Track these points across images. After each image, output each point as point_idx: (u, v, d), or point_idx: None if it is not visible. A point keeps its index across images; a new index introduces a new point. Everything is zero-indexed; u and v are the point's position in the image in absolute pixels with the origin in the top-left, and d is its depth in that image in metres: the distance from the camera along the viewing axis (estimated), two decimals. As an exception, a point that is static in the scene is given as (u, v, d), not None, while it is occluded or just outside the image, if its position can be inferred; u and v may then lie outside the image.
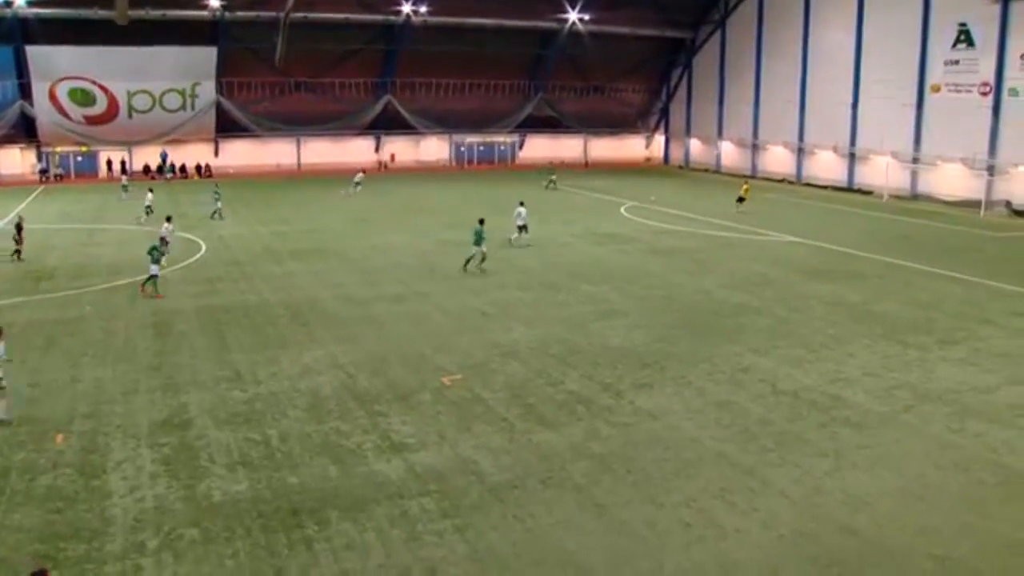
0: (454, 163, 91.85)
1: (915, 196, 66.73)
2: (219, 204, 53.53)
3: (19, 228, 40.27)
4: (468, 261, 37.16)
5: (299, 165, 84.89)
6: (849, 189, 72.57)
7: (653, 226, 50.97)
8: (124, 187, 63.89)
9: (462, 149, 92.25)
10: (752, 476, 17.59)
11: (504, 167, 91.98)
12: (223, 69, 77.78)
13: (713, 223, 52.15)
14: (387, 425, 20.17)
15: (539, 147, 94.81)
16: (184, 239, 44.54)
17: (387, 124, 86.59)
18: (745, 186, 61.12)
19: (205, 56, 76.53)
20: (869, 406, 21.76)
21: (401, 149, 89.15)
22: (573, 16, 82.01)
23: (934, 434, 20.01)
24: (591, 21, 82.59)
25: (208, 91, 78.56)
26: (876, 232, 50.41)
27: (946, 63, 64.65)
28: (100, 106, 76.29)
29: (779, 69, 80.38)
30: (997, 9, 60.21)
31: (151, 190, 55.59)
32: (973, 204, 60.48)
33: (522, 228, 44.37)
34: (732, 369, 24.50)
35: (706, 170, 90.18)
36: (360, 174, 66.11)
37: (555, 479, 17.36)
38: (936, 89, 65.62)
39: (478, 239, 36.79)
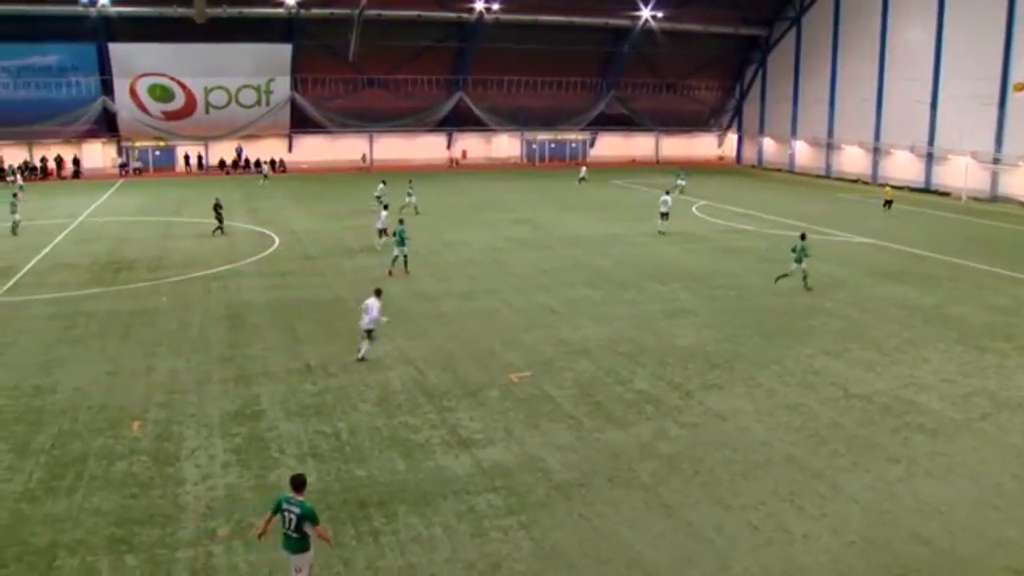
0: (525, 160, 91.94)
1: (994, 198, 65.26)
2: (413, 199, 53.41)
3: (217, 208, 46.29)
4: (783, 276, 34.48)
5: (371, 161, 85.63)
6: (926, 190, 71.22)
7: (725, 225, 50.52)
8: (264, 176, 70.82)
9: (533, 146, 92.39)
10: (822, 480, 17.37)
11: (575, 165, 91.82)
12: (297, 66, 78.96)
13: (785, 223, 51.50)
14: (455, 420, 20.30)
15: (611, 145, 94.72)
16: (257, 233, 45.27)
17: (459, 121, 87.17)
18: (887, 188, 61.27)
19: (280, 53, 77.76)
20: (944, 412, 21.33)
21: (472, 146, 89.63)
22: (646, 13, 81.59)
23: (1012, 443, 19.54)
24: (664, 18, 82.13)
25: (283, 87, 79.73)
26: (952, 234, 49.39)
27: (1030, 61, 63.01)
28: (178, 102, 77.89)
29: (855, 67, 79.10)
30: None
31: (384, 181, 56.17)
32: (1056, 206, 59.00)
33: (664, 215, 46.92)
34: (803, 371, 24.21)
35: (779, 170, 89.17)
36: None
37: (622, 478, 17.32)
38: (1019, 88, 63.78)
39: (800, 256, 33.78)
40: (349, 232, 46.44)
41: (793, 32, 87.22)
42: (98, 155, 78.94)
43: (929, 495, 16.79)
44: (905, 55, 73.91)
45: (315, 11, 74.49)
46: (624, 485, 17.02)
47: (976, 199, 65.43)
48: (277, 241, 43.54)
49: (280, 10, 73.10)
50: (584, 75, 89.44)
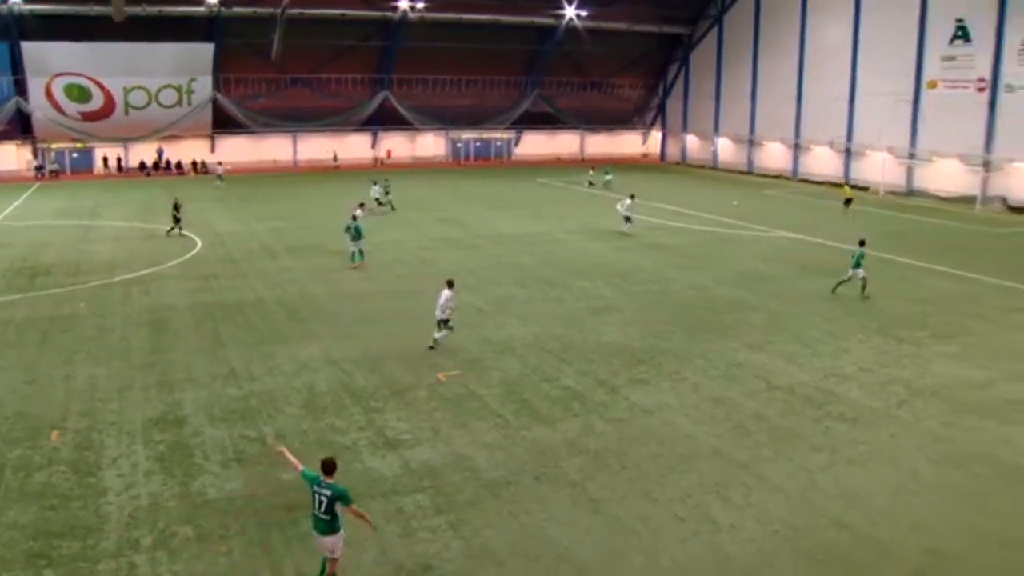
0: (451, 159, 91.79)
1: (911, 192, 66.77)
2: (389, 196, 54.45)
3: (176, 208, 45.47)
4: (840, 284, 33.32)
5: (295, 162, 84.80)
6: (845, 184, 72.46)
7: (649, 222, 50.97)
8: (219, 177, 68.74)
9: (458, 145, 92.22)
10: (747, 471, 17.63)
11: (500, 163, 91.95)
12: (220, 65, 77.74)
13: (709, 219, 52.17)
14: (382, 421, 20.19)
15: (536, 143, 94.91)
16: (179, 236, 44.53)
17: (384, 120, 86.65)
18: (846, 187, 61.67)
19: (202, 52, 76.47)
20: (864, 401, 21.81)
21: (398, 145, 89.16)
22: (570, 12, 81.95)
23: (928, 429, 20.06)
24: (588, 17, 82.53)
25: (204, 87, 78.46)
26: (871, 228, 50.39)
27: (943, 59, 64.66)
28: (96, 102, 76.14)
29: (776, 65, 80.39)
30: (994, 5, 60.17)
31: (375, 182, 56.47)
32: (968, 200, 60.62)
33: (627, 219, 46.55)
34: (727, 365, 24.54)
35: (702, 166, 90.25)
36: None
37: (550, 475, 17.39)
38: (933, 85, 65.61)
39: (857, 263, 32.68)
40: (273, 234, 45.89)
41: (715, 31, 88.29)
42: (12, 157, 76.81)
43: (850, 482, 17.16)
44: (824, 53, 75.31)
45: (237, 10, 73.43)
46: (552, 482, 17.09)
47: (893, 193, 66.92)
48: (200, 244, 42.85)
49: (201, 9, 71.94)
50: (509, 74, 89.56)
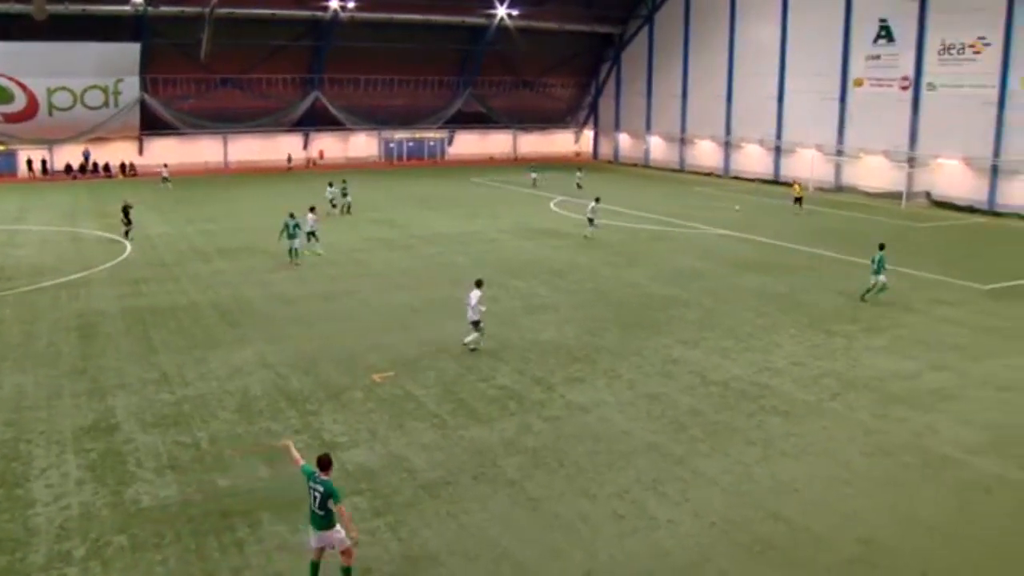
0: (383, 159, 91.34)
1: (839, 188, 67.99)
2: (348, 199, 53.58)
3: (126, 210, 44.80)
4: (868, 292, 32.15)
5: (226, 163, 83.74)
6: (775, 182, 73.65)
7: (583, 220, 51.15)
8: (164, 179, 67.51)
9: (391, 145, 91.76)
10: (683, 466, 17.77)
11: (434, 163, 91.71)
12: (147, 65, 76.31)
13: (642, 216, 52.56)
14: (318, 424, 20.01)
15: (469, 143, 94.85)
16: (108, 240, 43.72)
17: (315, 120, 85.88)
18: (796, 185, 60.50)
19: (128, 52, 74.96)
20: (796, 395, 22.13)
21: (330, 146, 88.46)
22: (501, 12, 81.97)
23: (859, 420, 20.43)
24: (519, 16, 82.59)
25: (132, 88, 76.99)
26: (801, 224, 51.24)
27: (868, 58, 66.08)
28: (19, 104, 74.30)
29: (706, 64, 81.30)
30: (915, 5, 61.59)
31: (331, 183, 55.11)
32: (895, 195, 61.88)
33: (591, 221, 45.58)
34: (662, 361, 24.73)
35: (635, 164, 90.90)
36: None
37: (488, 475, 17.36)
38: (858, 83, 67.03)
39: (879, 268, 31.69)
40: (205, 236, 45.22)
41: (646, 30, 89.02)
42: (-69, 161, 74.95)
43: (785, 475, 17.39)
44: (753, 52, 76.39)
45: (164, 9, 72.12)
46: (490, 481, 17.06)
47: (822, 189, 68.04)
48: (130, 247, 42.07)
49: (127, 8, 70.53)
50: (441, 73, 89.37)
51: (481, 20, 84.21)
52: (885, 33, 64.49)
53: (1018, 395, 22.42)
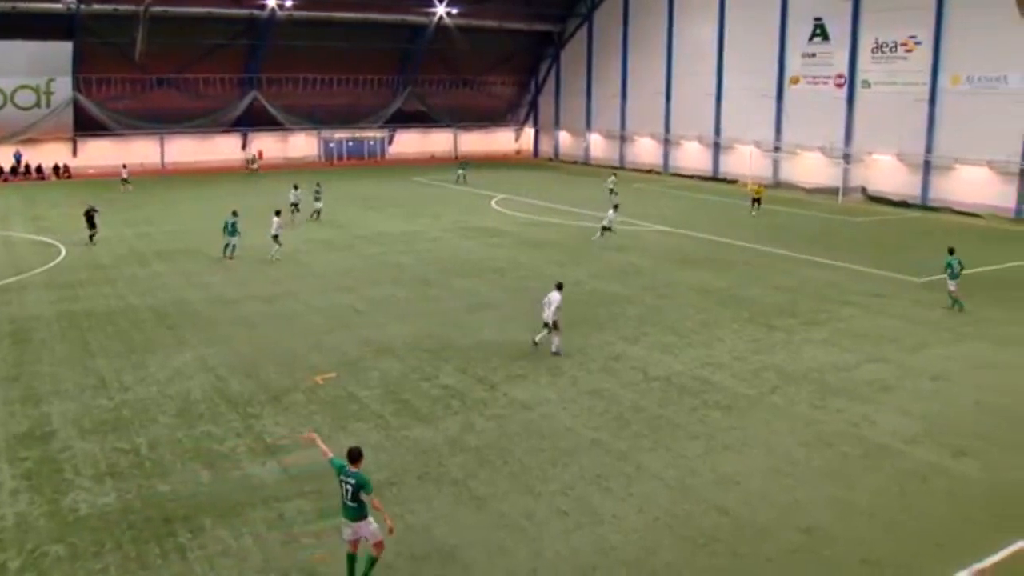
0: (323, 159, 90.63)
1: (777, 184, 68.79)
2: (320, 204, 51.18)
3: (90, 214, 43.48)
4: (955, 302, 30.61)
5: (163, 164, 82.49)
6: (714, 178, 74.41)
7: (524, 218, 51.31)
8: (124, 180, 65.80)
9: (331, 145, 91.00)
10: (627, 462, 17.88)
11: (374, 163, 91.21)
12: (80, 65, 74.84)
13: (583, 214, 52.76)
14: (260, 427, 19.79)
15: (409, 142, 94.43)
16: (41, 243, 42.88)
17: (254, 121, 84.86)
18: (754, 186, 57.36)
19: (60, 51, 73.39)
20: (737, 389, 22.37)
21: (269, 146, 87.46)
22: (441, 10, 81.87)
23: (799, 413, 20.72)
24: (459, 15, 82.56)
25: (64, 88, 75.44)
26: (740, 219, 51.79)
27: (804, 56, 67.13)
28: (-55, 104, 72.69)
29: (645, 62, 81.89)
30: (849, 5, 62.80)
31: (296, 186, 51.70)
32: (831, 191, 62.89)
33: (608, 229, 43.25)
34: (604, 358, 24.85)
35: (575, 162, 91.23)
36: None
37: (432, 474, 17.31)
38: (795, 81, 68.02)
39: (954, 272, 30.33)
40: (142, 239, 44.49)
41: (585, 28, 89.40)
42: None
43: (727, 468, 17.58)
44: (691, 50, 77.13)
45: (97, 7, 70.74)
46: (435, 481, 17.02)
47: (761, 186, 68.74)
48: (64, 251, 41.23)
49: (58, 5, 69.21)
50: (381, 72, 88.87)
51: (421, 19, 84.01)
52: (820, 32, 65.56)
53: (952, 385, 22.93)
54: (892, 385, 22.78)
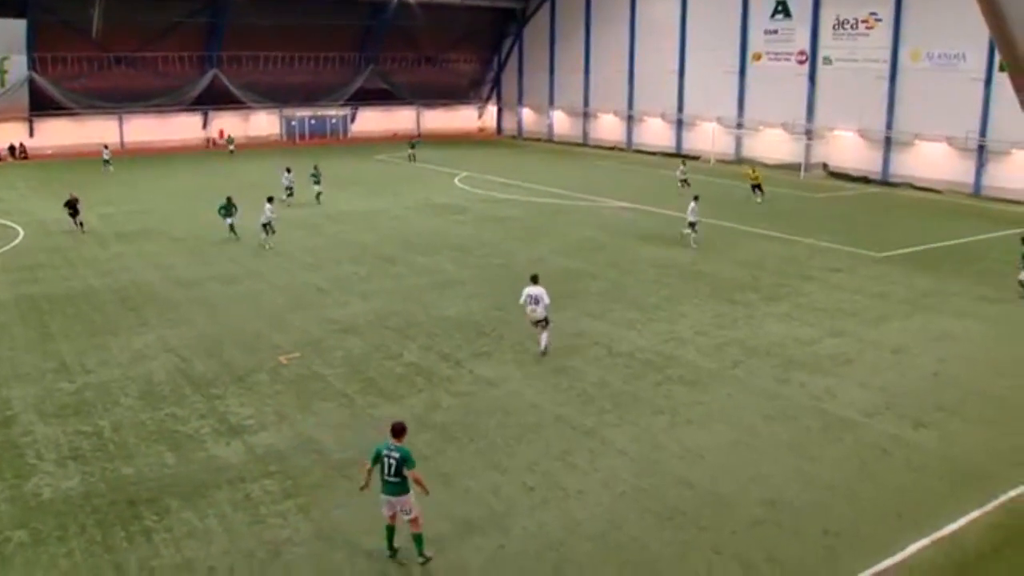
0: (285, 138, 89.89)
1: (740, 160, 69.05)
2: (319, 187, 49.54)
3: (73, 204, 41.79)
4: None
5: (122, 144, 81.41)
6: (677, 155, 74.48)
7: (487, 195, 51.22)
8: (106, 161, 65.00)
9: (293, 123, 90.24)
10: (592, 437, 17.99)
11: (337, 141, 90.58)
12: (35, 43, 73.53)
13: (546, 191, 52.77)
14: (224, 408, 19.71)
15: (372, 120, 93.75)
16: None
17: (214, 99, 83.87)
18: (751, 171, 52.92)
19: (13, 28, 72.00)
20: (701, 363, 22.55)
21: (230, 125, 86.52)
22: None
23: (762, 386, 20.93)
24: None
25: (19, 67, 74.08)
26: (704, 195, 51.83)
27: (766, 32, 67.26)
28: None
29: (608, 38, 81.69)
30: (810, -20, 63.00)
31: (288, 169, 50.51)
32: (793, 167, 63.21)
33: (693, 225, 37.18)
34: (568, 334, 24.89)
35: (538, 139, 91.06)
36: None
37: (398, 451, 17.31)
38: (757, 57, 68.20)
39: None
40: (102, 220, 43.92)
41: (547, 5, 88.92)
42: None
43: (691, 442, 17.75)
44: (654, 27, 76.97)
45: (50, -17, 69.75)
46: (401, 458, 17.01)
47: (723, 161, 69.15)
48: (22, 233, 40.68)
49: (11, -18, 68.06)
50: (343, 49, 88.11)
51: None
52: (782, 8, 65.73)
53: (911, 357, 23.25)
54: (853, 358, 23.06)
